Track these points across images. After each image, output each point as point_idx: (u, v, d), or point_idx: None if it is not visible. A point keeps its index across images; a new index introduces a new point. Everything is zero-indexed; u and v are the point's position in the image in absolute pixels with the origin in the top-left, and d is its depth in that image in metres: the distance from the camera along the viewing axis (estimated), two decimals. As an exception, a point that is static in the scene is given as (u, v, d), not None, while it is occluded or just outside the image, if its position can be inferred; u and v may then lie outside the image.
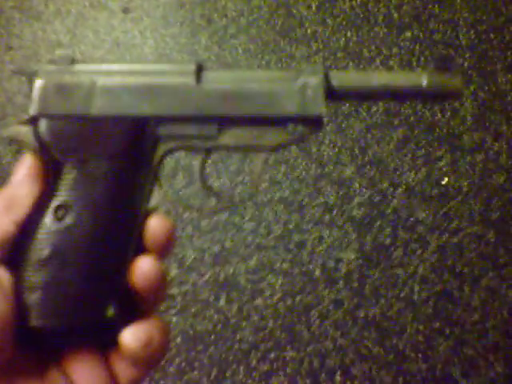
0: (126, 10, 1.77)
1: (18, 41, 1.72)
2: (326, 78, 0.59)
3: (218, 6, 1.75)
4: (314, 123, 0.59)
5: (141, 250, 0.55)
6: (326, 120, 0.58)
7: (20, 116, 0.57)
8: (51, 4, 1.77)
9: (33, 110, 0.57)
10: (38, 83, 0.57)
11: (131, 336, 0.51)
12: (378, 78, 0.60)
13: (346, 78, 0.60)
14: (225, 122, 0.58)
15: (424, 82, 0.59)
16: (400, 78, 0.60)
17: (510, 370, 1.27)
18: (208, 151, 0.60)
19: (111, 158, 0.55)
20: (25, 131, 0.56)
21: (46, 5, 1.77)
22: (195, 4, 1.76)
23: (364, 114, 1.52)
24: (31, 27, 1.74)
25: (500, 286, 1.33)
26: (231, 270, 1.36)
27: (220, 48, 1.68)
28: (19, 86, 1.63)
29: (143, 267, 0.53)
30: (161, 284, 0.53)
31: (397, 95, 0.61)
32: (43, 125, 0.56)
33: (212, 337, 1.31)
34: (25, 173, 0.55)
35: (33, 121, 0.57)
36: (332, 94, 0.59)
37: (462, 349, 1.29)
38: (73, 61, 0.59)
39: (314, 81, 0.58)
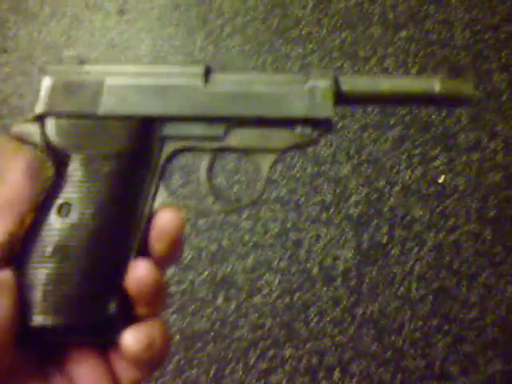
0: (121, 12, 1.77)
1: (13, 43, 1.72)
2: (336, 81, 0.58)
3: (213, 7, 1.76)
4: (323, 126, 0.58)
5: (144, 251, 0.55)
6: (334, 123, 0.58)
7: (24, 115, 0.57)
8: (46, 6, 1.77)
9: (40, 108, 0.57)
10: (46, 81, 0.58)
11: (132, 337, 0.51)
12: (389, 82, 0.59)
13: (356, 82, 0.59)
14: (232, 122, 0.58)
15: (436, 87, 0.59)
16: (411, 83, 0.59)
17: (509, 367, 1.27)
18: (215, 152, 0.59)
19: (117, 157, 0.55)
20: (31, 129, 0.56)
21: (42, 7, 1.77)
22: (190, 5, 1.77)
23: (359, 113, 1.52)
24: (26, 29, 1.74)
25: (497, 283, 1.33)
26: (229, 269, 1.36)
27: (216, 48, 1.68)
28: (14, 88, 1.63)
29: (138, 272, 0.52)
30: (156, 291, 0.52)
31: (407, 100, 0.60)
32: (50, 123, 0.56)
33: (210, 335, 1.31)
34: (23, 170, 0.53)
35: (40, 119, 0.56)
36: (341, 98, 0.59)
37: (461, 346, 1.29)
38: (82, 61, 0.59)
39: (324, 84, 0.58)
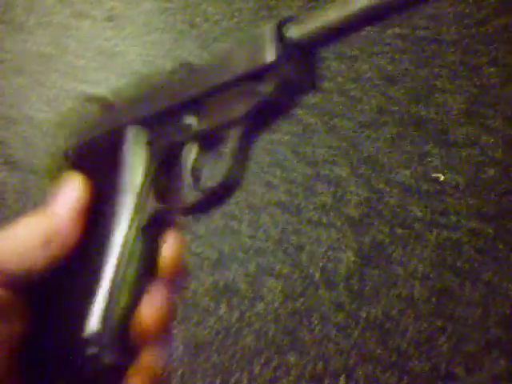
0: (108, 18, 1.76)
1: (0, 53, 1.71)
2: (280, 23, 0.48)
3: (199, 11, 1.75)
4: (277, 76, 0.49)
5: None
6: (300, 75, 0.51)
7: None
8: (33, 15, 1.76)
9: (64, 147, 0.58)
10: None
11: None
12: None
13: (310, 17, 0.48)
14: (195, 106, 0.54)
15: None
16: None
17: (515, 365, 1.27)
18: (189, 141, 0.55)
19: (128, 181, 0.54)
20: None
21: (28, 16, 1.76)
22: (177, 9, 1.76)
23: (356, 112, 1.52)
24: (13, 39, 1.73)
25: (501, 281, 1.33)
26: (231, 276, 1.36)
27: (203, 51, 1.68)
28: (2, 98, 1.62)
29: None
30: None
31: (380, 14, 0.45)
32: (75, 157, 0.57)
33: (214, 345, 1.31)
34: (72, 202, 0.48)
35: (66, 156, 0.57)
36: (291, 41, 0.48)
37: (465, 345, 1.28)
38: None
39: (265, 29, 0.49)
